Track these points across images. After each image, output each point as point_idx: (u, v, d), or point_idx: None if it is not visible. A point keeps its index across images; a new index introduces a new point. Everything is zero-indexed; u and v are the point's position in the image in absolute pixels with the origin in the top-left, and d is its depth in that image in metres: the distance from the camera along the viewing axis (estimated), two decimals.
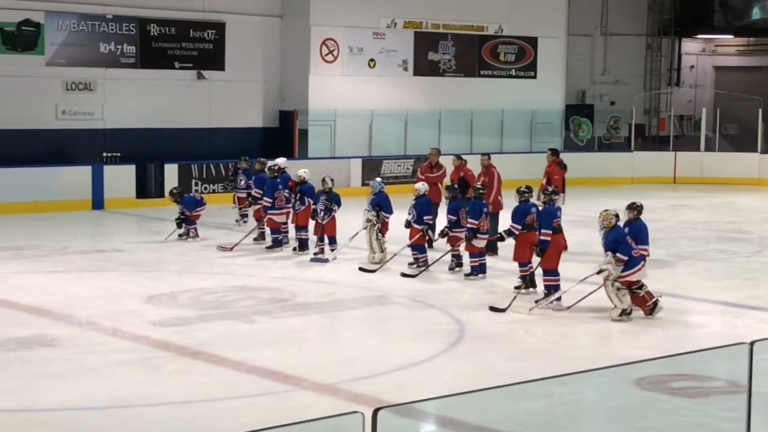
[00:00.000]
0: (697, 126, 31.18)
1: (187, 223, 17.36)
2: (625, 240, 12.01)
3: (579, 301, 12.41)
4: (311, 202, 16.25)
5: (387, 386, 9.39)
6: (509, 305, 12.43)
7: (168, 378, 9.68)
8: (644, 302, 12.13)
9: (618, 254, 11.91)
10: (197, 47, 24.67)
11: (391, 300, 13.12)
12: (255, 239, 17.06)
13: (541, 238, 12.78)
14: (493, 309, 12.46)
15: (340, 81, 25.98)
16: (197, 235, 17.30)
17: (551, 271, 12.80)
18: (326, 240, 15.83)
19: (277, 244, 16.57)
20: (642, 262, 12.11)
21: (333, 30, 25.88)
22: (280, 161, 17.17)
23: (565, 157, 17.90)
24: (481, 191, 14.65)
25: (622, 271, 11.90)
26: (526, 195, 13.37)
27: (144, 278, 14.42)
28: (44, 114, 22.70)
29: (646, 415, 8.39)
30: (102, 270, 15.07)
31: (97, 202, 21.98)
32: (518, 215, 13.25)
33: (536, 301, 12.57)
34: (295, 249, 16.31)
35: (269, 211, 16.52)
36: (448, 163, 17.64)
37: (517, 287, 13.27)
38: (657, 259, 15.78)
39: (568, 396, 7.86)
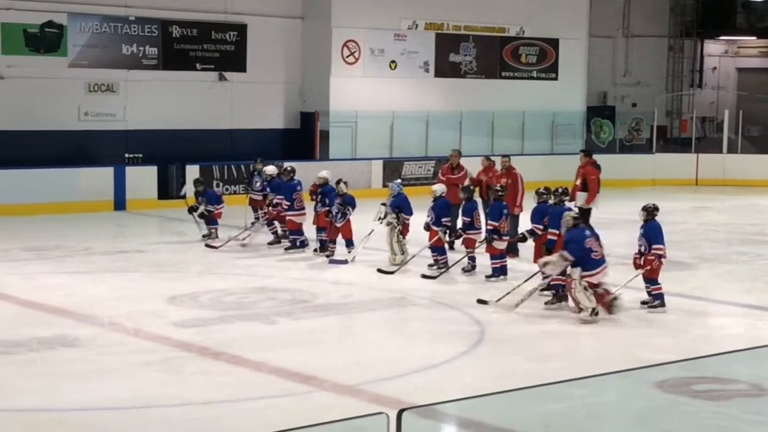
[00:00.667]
0: (720, 128, 31.05)
1: (208, 222, 17.37)
2: (582, 242, 11.87)
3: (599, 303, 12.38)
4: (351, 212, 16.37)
5: (408, 388, 9.34)
6: (500, 299, 12.45)
7: (189, 379, 9.68)
8: (602, 298, 12.06)
9: (564, 252, 11.85)
10: (219, 49, 24.73)
11: (412, 301, 13.11)
12: (270, 243, 17.04)
13: (549, 237, 12.85)
14: (480, 301, 12.54)
15: (361, 82, 25.98)
16: (217, 236, 17.31)
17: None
18: (343, 242, 15.81)
19: (302, 245, 16.57)
20: (604, 265, 12.05)
21: (354, 31, 25.88)
22: (269, 169, 17.27)
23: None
24: (500, 193, 14.63)
25: (585, 271, 11.85)
26: (545, 196, 13.45)
27: (165, 279, 14.46)
28: (67, 115, 22.80)
29: (668, 418, 8.35)
30: (124, 271, 15.10)
31: (119, 203, 22.06)
32: (537, 216, 13.27)
33: (546, 303, 12.50)
34: (316, 250, 16.32)
35: (288, 213, 16.53)
36: (470, 164, 17.64)
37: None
38: (679, 261, 15.75)
39: (589, 398, 7.85)
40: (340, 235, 15.89)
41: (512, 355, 10.74)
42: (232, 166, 23.32)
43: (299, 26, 25.91)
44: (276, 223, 17.14)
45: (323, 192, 16.38)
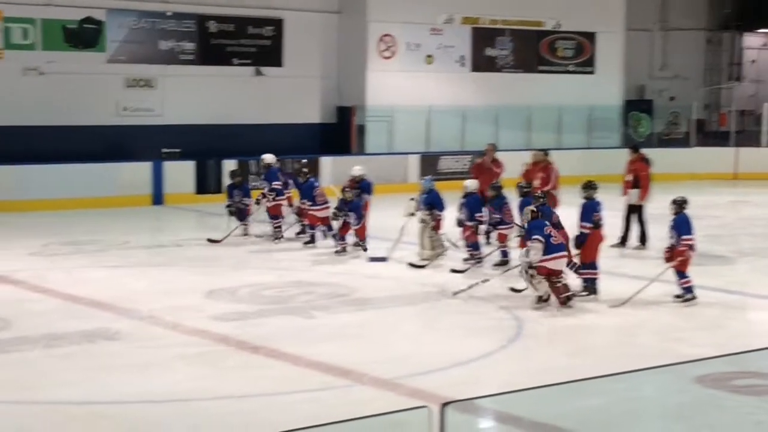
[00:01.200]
0: (759, 121, 30.73)
1: (239, 216, 17.39)
2: (542, 228, 12.07)
3: (631, 297, 12.34)
4: (369, 198, 16.41)
5: (445, 382, 9.30)
6: (484, 280, 12.89)
7: (228, 372, 9.71)
8: (559, 293, 12.15)
9: (534, 237, 12.05)
10: (255, 44, 24.84)
11: (448, 296, 13.03)
12: (298, 233, 17.13)
13: (580, 230, 12.81)
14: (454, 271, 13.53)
15: (397, 77, 25.99)
16: (247, 233, 17.38)
17: (589, 264, 12.78)
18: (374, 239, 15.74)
19: (312, 240, 16.59)
20: (563, 252, 12.18)
21: (390, 26, 25.93)
22: (268, 157, 17.43)
23: (626, 153, 17.65)
24: (525, 189, 14.55)
25: (544, 255, 11.98)
26: (593, 191, 13.20)
27: (203, 273, 14.51)
28: (105, 110, 22.98)
29: (707, 413, 8.29)
30: (162, 265, 15.18)
31: (157, 198, 22.21)
32: (586, 213, 13.00)
33: (573, 296, 12.41)
34: (355, 244, 16.27)
35: (311, 209, 16.51)
36: (507, 159, 17.60)
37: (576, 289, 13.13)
38: (718, 255, 15.67)
39: (628, 393, 7.79)
40: (359, 233, 15.93)
41: (549, 350, 10.70)
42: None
43: (335, 21, 25.97)
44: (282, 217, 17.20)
45: (360, 187, 16.45)
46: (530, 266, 12.05)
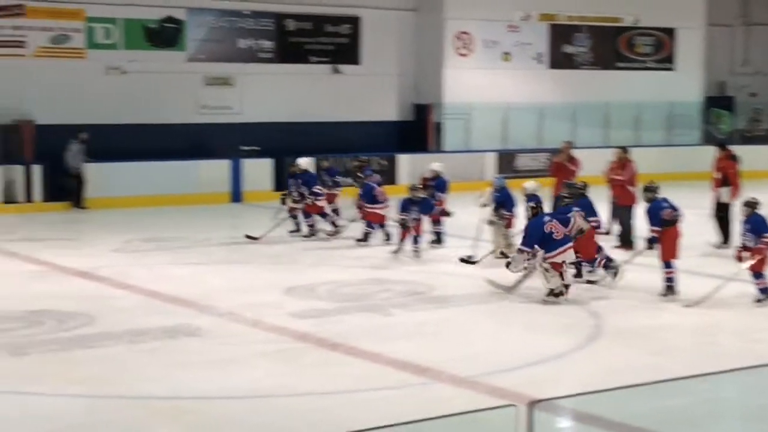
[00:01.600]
0: None
1: (305, 215, 17.40)
2: (540, 228, 12.37)
3: (707, 297, 12.22)
4: (444, 197, 16.36)
5: (524, 380, 9.27)
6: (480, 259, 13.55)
7: (307, 369, 9.76)
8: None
9: (521, 246, 12.48)
10: (333, 41, 24.92)
11: (527, 294, 12.90)
12: (329, 234, 17.08)
13: (651, 235, 12.70)
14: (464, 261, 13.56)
15: (474, 74, 25.87)
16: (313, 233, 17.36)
17: (670, 263, 12.65)
18: (410, 239, 15.41)
19: (389, 237, 16.51)
20: (568, 245, 12.40)
21: (467, 23, 25.83)
22: (303, 161, 17.47)
23: (706, 150, 17.40)
24: (580, 189, 14.31)
25: (548, 252, 12.24)
26: (653, 193, 13.05)
27: (282, 271, 14.59)
28: (185, 108, 23.20)
29: None
30: (241, 262, 15.29)
31: (236, 195, 22.40)
32: (652, 216, 12.90)
33: (560, 294, 12.36)
34: (432, 242, 16.26)
35: (371, 207, 16.44)
36: (584, 156, 17.46)
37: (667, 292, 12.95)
38: None
39: (709, 394, 7.70)
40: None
41: (629, 349, 10.57)
42: (346, 159, 23.39)
43: (412, 18, 25.95)
44: (314, 215, 17.23)
45: (436, 186, 16.38)
46: (544, 259, 12.26)
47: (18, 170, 21.00)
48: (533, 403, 5.45)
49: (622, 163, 16.61)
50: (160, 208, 20.82)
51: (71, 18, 22.18)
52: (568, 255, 12.50)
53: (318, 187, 17.17)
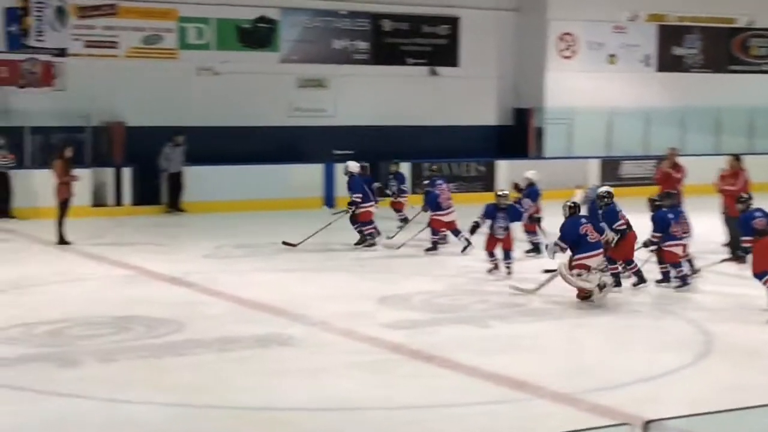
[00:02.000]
0: None
1: (363, 224, 16.82)
2: (577, 228, 12.45)
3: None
4: (533, 206, 15.75)
5: (629, 398, 8.81)
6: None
7: (401, 381, 9.50)
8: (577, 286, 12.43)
9: (558, 241, 12.65)
10: (430, 43, 24.52)
11: (631, 308, 12.54)
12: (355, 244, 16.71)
13: (744, 245, 12.50)
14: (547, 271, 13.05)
15: (577, 77, 25.28)
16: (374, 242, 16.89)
17: (761, 274, 12.00)
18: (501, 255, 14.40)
19: (434, 247, 16.16)
20: (600, 249, 12.47)
21: (571, 24, 25.32)
22: (351, 165, 17.38)
23: None
24: (657, 203, 13.60)
25: (580, 254, 12.35)
26: (745, 204, 12.72)
27: (375, 279, 14.32)
28: (277, 111, 22.90)
29: None
30: (333, 270, 15.06)
31: (329, 200, 21.98)
32: (744, 227, 12.49)
33: (590, 295, 12.25)
34: (528, 251, 15.75)
35: (434, 214, 16.21)
36: (692, 164, 16.60)
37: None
38: None
39: None
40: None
41: (740, 368, 10.00)
42: (445, 164, 22.66)
43: (513, 19, 25.43)
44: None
45: (528, 194, 15.83)
46: (571, 260, 12.38)
47: (108, 173, 20.83)
48: (648, 423, 5.26)
49: (734, 171, 16.00)
50: (252, 213, 20.57)
51: (164, 18, 22.02)
52: (597, 260, 12.47)
53: (358, 195, 16.98)
